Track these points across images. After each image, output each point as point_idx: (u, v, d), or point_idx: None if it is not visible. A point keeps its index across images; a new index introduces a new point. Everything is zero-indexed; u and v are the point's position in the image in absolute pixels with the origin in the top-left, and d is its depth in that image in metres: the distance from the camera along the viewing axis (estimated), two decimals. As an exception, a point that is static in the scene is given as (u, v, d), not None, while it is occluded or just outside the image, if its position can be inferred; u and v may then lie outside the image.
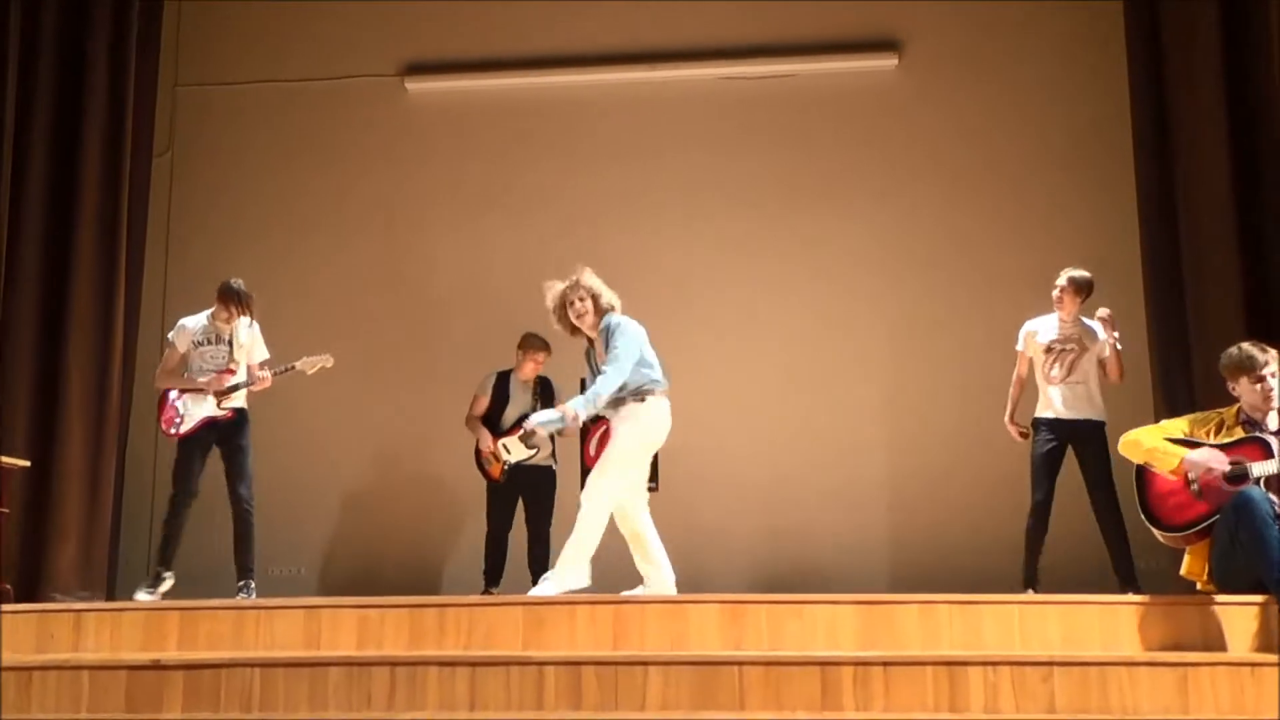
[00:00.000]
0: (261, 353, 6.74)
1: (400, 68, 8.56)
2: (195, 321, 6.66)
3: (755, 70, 8.31)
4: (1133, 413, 6.23)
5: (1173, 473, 5.11)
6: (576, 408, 5.65)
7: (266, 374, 6.61)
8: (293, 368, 6.65)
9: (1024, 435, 6.43)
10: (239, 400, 6.60)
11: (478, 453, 7.14)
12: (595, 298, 5.78)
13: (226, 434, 6.53)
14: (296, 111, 8.58)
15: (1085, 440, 6.22)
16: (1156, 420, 5.99)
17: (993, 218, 7.95)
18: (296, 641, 5.15)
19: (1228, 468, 5.02)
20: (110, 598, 7.11)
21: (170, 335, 6.71)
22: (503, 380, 7.21)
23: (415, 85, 8.54)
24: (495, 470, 7.06)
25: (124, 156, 7.58)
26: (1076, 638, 4.90)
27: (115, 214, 7.51)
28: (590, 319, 5.78)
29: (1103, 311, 6.30)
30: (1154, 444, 5.20)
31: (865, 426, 7.91)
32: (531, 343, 7.11)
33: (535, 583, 6.82)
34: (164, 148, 8.40)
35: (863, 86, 8.24)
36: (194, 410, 6.51)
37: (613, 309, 5.83)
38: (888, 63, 8.21)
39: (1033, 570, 6.25)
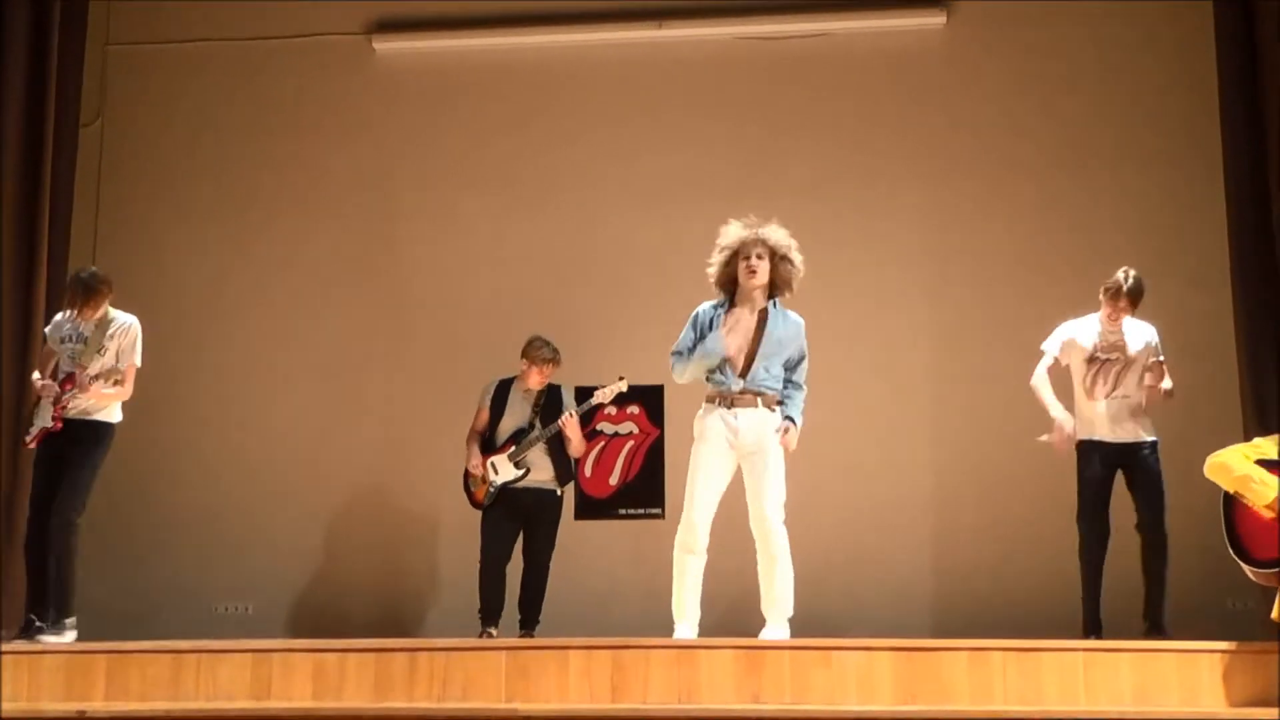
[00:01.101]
0: (129, 356, 6.37)
1: (367, 25, 8.57)
2: (63, 315, 6.54)
3: (778, 29, 8.31)
4: (1219, 429, 6.22)
5: (1268, 507, 5.09)
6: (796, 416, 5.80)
7: (50, 382, 6.28)
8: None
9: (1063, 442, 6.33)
10: (93, 412, 6.31)
11: (466, 474, 7.13)
12: (785, 260, 5.76)
13: (64, 448, 6.26)
14: (247, 75, 8.59)
15: (1134, 464, 6.21)
16: (1246, 438, 5.98)
17: (1056, 207, 7.94)
18: (243, 690, 5.15)
19: None
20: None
21: (46, 329, 6.64)
22: (502, 389, 7.17)
23: (384, 45, 8.55)
24: (479, 493, 7.04)
25: (46, 125, 7.57)
26: (1151, 691, 4.91)
27: (36, 191, 7.51)
28: (761, 281, 5.73)
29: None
30: (1245, 471, 5.18)
31: (906, 444, 7.90)
32: (539, 352, 7.05)
33: (524, 625, 6.83)
34: (92, 115, 8.42)
35: (903, 49, 8.24)
36: (38, 419, 6.32)
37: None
38: (934, 20, 8.21)
39: (1091, 613, 6.22)
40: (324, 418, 8.18)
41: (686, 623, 5.69)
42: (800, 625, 7.29)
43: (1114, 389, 6.28)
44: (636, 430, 7.74)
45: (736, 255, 5.75)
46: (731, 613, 7.26)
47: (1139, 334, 6.34)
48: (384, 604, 7.88)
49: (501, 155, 8.40)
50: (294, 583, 8.05)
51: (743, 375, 5.71)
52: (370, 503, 8.14)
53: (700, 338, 5.75)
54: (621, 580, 7.22)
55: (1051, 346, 6.50)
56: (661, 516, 7.53)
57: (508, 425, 7.06)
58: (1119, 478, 6.33)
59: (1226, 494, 5.28)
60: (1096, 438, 6.29)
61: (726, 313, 5.77)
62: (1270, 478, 5.14)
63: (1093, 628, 6.22)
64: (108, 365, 6.26)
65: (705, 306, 5.86)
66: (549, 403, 7.07)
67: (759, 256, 5.71)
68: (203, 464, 7.92)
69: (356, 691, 5.10)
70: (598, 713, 4.62)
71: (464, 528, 7.33)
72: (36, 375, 6.49)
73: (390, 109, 8.51)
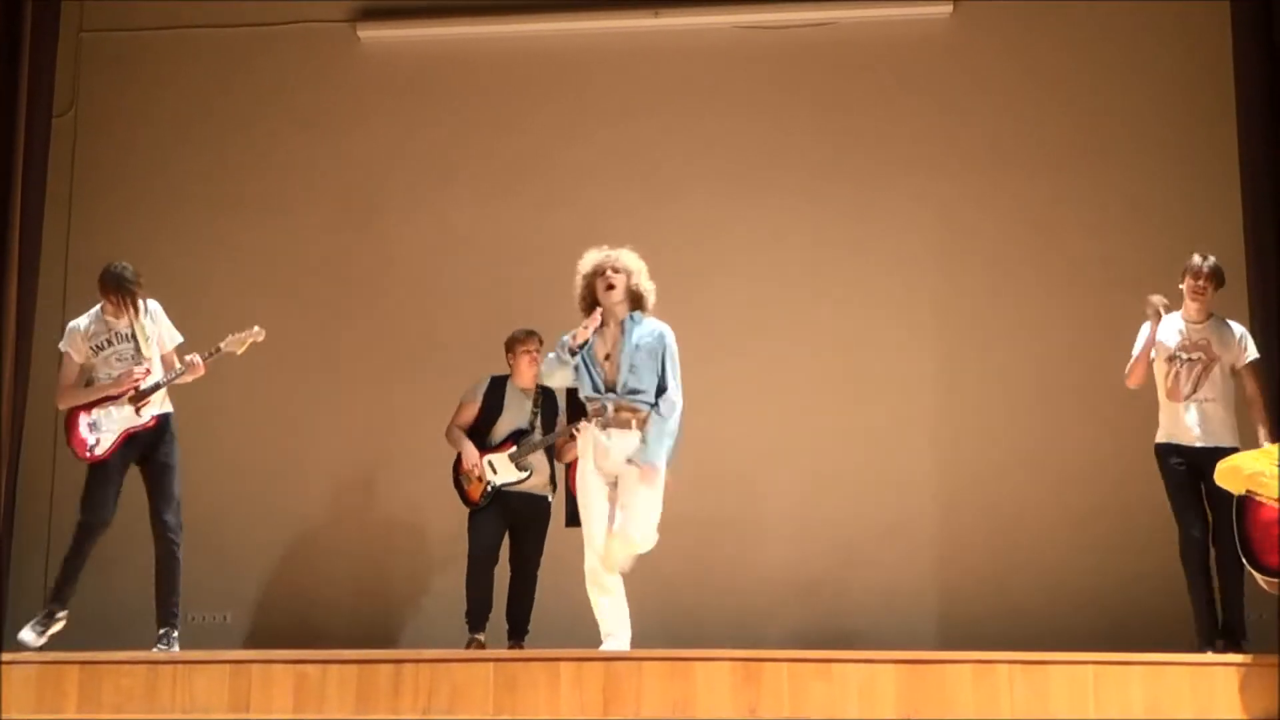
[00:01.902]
0: (173, 336, 6.64)
1: (352, 12, 8.58)
2: (86, 322, 6.58)
3: (782, 18, 8.33)
4: (1241, 442, 6.21)
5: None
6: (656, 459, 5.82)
7: (196, 358, 6.51)
8: (219, 350, 6.60)
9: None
10: (160, 405, 6.53)
11: (456, 469, 7.10)
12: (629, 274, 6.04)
13: (149, 448, 6.47)
14: (226, 63, 8.59)
15: (1213, 472, 5.96)
16: (1261, 445, 6.00)
17: (1066, 205, 7.95)
18: (221, 703, 5.16)
19: None
20: (-3, 648, 7.10)
21: (61, 345, 6.63)
22: (497, 387, 7.13)
23: (370, 33, 8.55)
24: (474, 491, 7.02)
25: (17, 115, 7.54)
26: (1163, 705, 4.93)
27: (6, 184, 7.49)
28: (619, 295, 6.00)
29: (1157, 299, 6.22)
30: (1256, 468, 5.21)
31: (912, 448, 7.91)
32: (518, 337, 7.09)
33: (512, 635, 6.83)
34: (66, 105, 8.40)
35: (911, 38, 8.26)
36: (108, 425, 6.44)
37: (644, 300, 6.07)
38: (941, 9, 8.23)
39: (1206, 623, 6.08)
40: (304, 421, 8.18)
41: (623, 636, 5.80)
42: (800, 636, 7.33)
43: (1194, 390, 6.19)
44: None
45: (594, 277, 6.05)
46: (728, 625, 7.29)
47: (1225, 333, 6.25)
48: (367, 613, 7.88)
49: (489, 145, 8.41)
50: (273, 591, 8.06)
51: (611, 388, 5.90)
52: (352, 509, 8.15)
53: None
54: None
55: (1139, 344, 6.36)
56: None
57: (506, 424, 7.05)
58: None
59: (1238, 502, 5.30)
60: (1176, 441, 6.19)
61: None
62: (1281, 472, 5.16)
63: (1207, 638, 6.03)
64: (172, 345, 6.56)
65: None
66: (546, 405, 7.08)
67: (615, 270, 6.01)
68: (181, 471, 7.93)
69: (339, 704, 5.11)
70: (589, 726, 4.64)
71: (450, 535, 7.34)
72: (61, 392, 6.54)
73: (375, 99, 8.52)
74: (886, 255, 8.09)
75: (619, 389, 5.88)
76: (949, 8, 8.21)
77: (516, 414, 7.06)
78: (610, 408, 5.86)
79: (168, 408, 6.55)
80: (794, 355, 8.01)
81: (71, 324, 6.64)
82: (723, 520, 7.75)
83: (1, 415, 7.29)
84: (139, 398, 6.41)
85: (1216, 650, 5.88)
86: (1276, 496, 5.14)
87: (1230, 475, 5.32)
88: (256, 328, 6.67)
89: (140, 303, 6.52)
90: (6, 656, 5.99)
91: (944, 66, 8.22)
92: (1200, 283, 6.16)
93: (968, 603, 7.56)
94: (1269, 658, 5.10)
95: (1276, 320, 6.93)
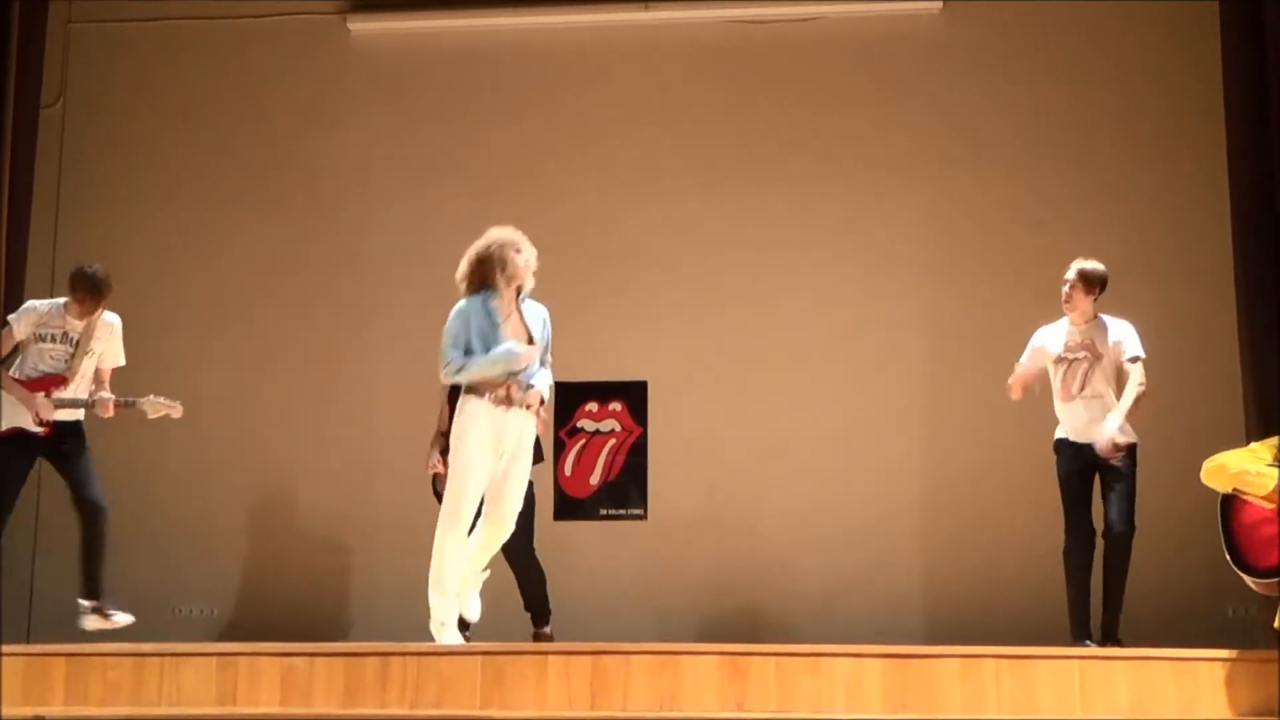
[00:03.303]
0: (116, 358, 6.57)
1: (342, 4, 8.57)
2: (45, 307, 6.50)
3: (768, 13, 8.34)
4: (1219, 431, 6.26)
5: (1267, 497, 5.13)
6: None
7: (109, 399, 6.41)
8: (133, 403, 6.51)
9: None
10: (70, 415, 6.43)
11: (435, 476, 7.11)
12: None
13: (54, 444, 6.39)
14: (214, 55, 8.58)
15: (1106, 466, 6.24)
16: (1247, 441, 6.02)
17: (1054, 203, 7.98)
18: (208, 696, 5.15)
19: None
20: (-18, 640, 7.09)
21: (11, 316, 6.54)
22: None
23: (360, 25, 8.55)
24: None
25: (5, 107, 7.56)
26: (1148, 700, 4.94)
27: (-7, 177, 7.50)
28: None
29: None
30: (1242, 466, 5.23)
31: (898, 445, 7.93)
32: None
33: (537, 623, 6.81)
34: (54, 96, 8.40)
35: (900, 34, 8.28)
36: (7, 413, 6.35)
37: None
38: (930, 5, 8.24)
39: (1079, 618, 6.26)
40: (292, 414, 8.17)
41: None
42: (789, 631, 7.35)
43: (1082, 388, 6.34)
44: (618, 428, 7.76)
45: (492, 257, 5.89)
46: (715, 620, 7.30)
47: (1110, 332, 6.39)
48: (354, 607, 7.89)
49: (479, 138, 8.41)
50: (260, 585, 8.05)
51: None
52: (341, 504, 8.14)
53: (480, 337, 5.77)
54: (602, 584, 7.23)
55: (1023, 357, 6.58)
56: (644, 517, 7.57)
57: None
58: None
59: (1223, 500, 5.31)
60: (1067, 437, 6.38)
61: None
62: (1268, 469, 5.17)
63: (1079, 634, 6.24)
64: (111, 365, 6.48)
65: (470, 304, 5.86)
66: None
67: (517, 250, 5.88)
68: (163, 462, 7.91)
69: (326, 697, 5.11)
70: (577, 719, 4.64)
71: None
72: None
73: (365, 91, 8.52)
74: (873, 252, 8.11)
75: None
76: (939, 4, 8.22)
77: None
78: (518, 387, 5.71)
79: (78, 415, 6.48)
80: (780, 353, 8.02)
81: (31, 303, 6.57)
82: (709, 517, 7.76)
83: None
84: (48, 411, 6.31)
85: (1090, 644, 6.02)
86: (1264, 495, 5.15)
87: (1216, 474, 5.33)
88: (178, 404, 6.54)
89: (104, 320, 6.45)
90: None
91: (933, 63, 8.24)
92: (1065, 290, 6.41)
93: (955, 598, 7.60)
94: (1252, 653, 5.12)
95: (1262, 316, 6.97)
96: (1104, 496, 6.31)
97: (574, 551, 7.60)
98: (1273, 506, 5.15)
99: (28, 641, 7.33)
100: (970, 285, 8.00)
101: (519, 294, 5.84)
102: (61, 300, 6.51)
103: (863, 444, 7.93)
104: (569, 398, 7.71)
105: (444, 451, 6.95)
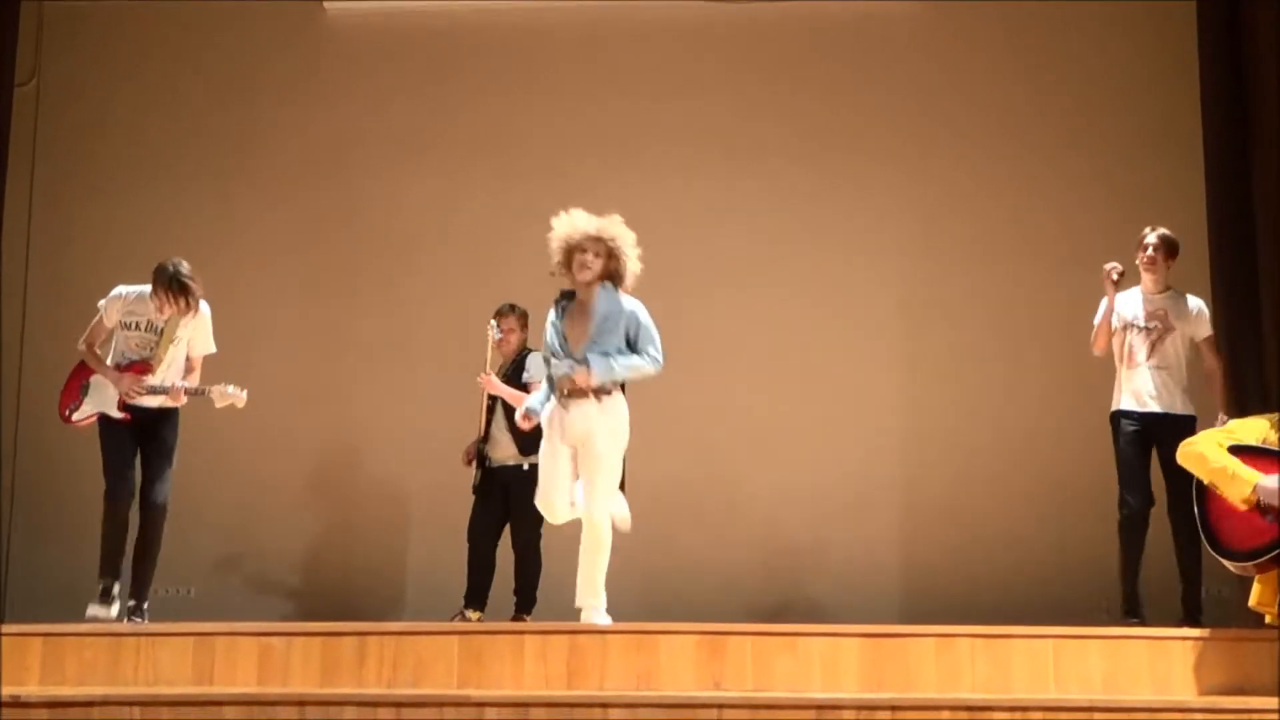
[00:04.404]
0: (206, 346, 6.59)
1: (318, -16, 8.55)
2: (134, 293, 6.47)
3: None
4: (1199, 413, 6.27)
5: (1243, 501, 5.13)
6: (595, 366, 5.65)
7: (181, 386, 6.41)
8: (203, 392, 6.54)
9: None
10: (154, 402, 6.44)
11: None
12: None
13: (151, 431, 6.43)
14: (191, 34, 8.52)
15: (1168, 438, 6.07)
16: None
17: (1035, 181, 8.02)
18: (184, 675, 5.15)
19: None
20: (-40, 622, 7.07)
21: (101, 302, 6.53)
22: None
23: (335, 4, 8.51)
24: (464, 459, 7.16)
25: (-23, 86, 7.52)
26: (1121, 678, 4.97)
27: (-34, 154, 7.45)
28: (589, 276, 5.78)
29: (1110, 266, 6.30)
30: (1220, 463, 5.20)
31: (876, 426, 7.96)
32: (498, 313, 7.16)
33: (516, 609, 6.87)
34: (28, 75, 8.34)
35: (881, 19, 8.28)
36: (91, 399, 6.43)
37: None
38: (914, -4, 8.26)
39: (1130, 593, 6.21)
40: (270, 394, 8.12)
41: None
42: (766, 611, 7.38)
43: (1149, 357, 6.28)
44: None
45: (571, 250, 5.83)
46: (693, 600, 7.30)
47: (1182, 305, 6.35)
48: (334, 588, 7.88)
49: (455, 118, 8.39)
50: (237, 565, 8.04)
51: (570, 355, 5.75)
52: (321, 482, 8.15)
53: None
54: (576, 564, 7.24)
55: (1096, 318, 6.47)
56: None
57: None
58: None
59: (1199, 483, 5.33)
60: (1129, 407, 6.29)
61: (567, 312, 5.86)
62: (1246, 470, 5.16)
63: (1132, 611, 6.16)
64: (201, 353, 6.52)
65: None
66: (515, 370, 7.08)
67: (592, 254, 5.79)
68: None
69: (303, 676, 5.11)
70: (553, 699, 4.64)
71: (437, 508, 7.35)
72: (85, 347, 6.47)
73: (341, 72, 8.48)
74: (854, 235, 8.12)
75: (578, 353, 5.70)
76: (922, -6, 8.24)
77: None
78: (570, 367, 5.69)
79: (173, 405, 6.49)
80: (759, 336, 8.03)
81: (118, 289, 6.52)
82: (689, 498, 7.77)
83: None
84: (131, 398, 6.36)
85: (1140, 623, 5.95)
86: (1239, 499, 5.14)
87: (1195, 462, 5.33)
88: (244, 393, 6.52)
89: (192, 304, 6.40)
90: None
91: (914, 52, 8.25)
92: (1149, 253, 6.31)
93: (930, 577, 7.63)
94: (1225, 632, 5.15)
95: (1238, 302, 7.01)
96: (1164, 470, 6.16)
97: (552, 531, 7.59)
98: (1247, 510, 5.13)
99: (3, 621, 7.32)
100: (948, 271, 8.02)
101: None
102: (148, 287, 6.44)
103: (842, 426, 7.95)
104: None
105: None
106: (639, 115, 8.28)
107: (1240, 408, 6.65)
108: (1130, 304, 6.37)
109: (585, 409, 5.70)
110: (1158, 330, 6.30)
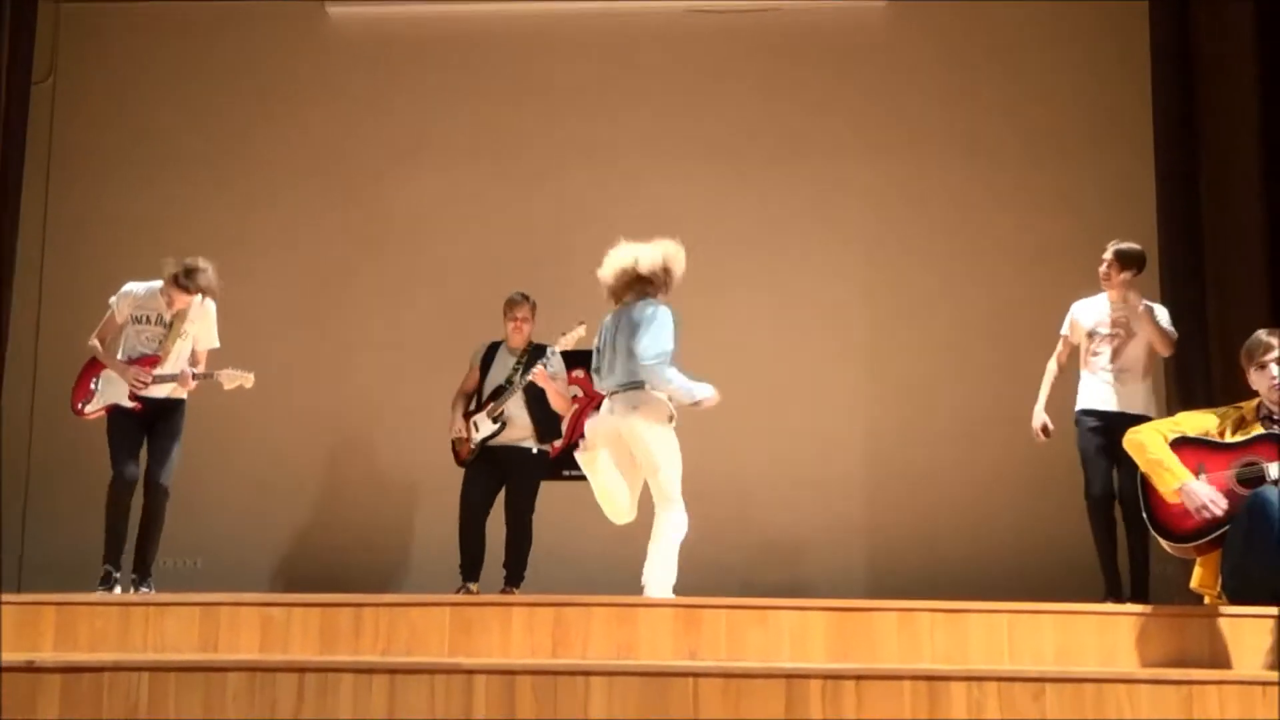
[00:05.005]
0: (210, 340, 6.64)
1: (320, -12, 8.52)
2: (142, 291, 6.52)
3: (726, 4, 8.34)
4: (1158, 412, 6.29)
5: (1170, 495, 5.14)
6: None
7: (189, 371, 6.47)
8: (211, 375, 6.58)
9: (1047, 434, 6.47)
10: (166, 393, 6.50)
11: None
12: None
13: (158, 419, 6.48)
14: (200, 36, 8.51)
15: (1122, 435, 6.22)
16: (1171, 411, 6.08)
17: (993, 181, 8.04)
18: (190, 643, 5.14)
19: (1223, 509, 5.04)
20: (-24, 591, 7.05)
21: (112, 299, 6.57)
22: (491, 350, 7.15)
23: (338, 9, 8.49)
24: (463, 452, 7.04)
25: (-1, 81, 7.48)
26: (1071, 651, 4.98)
27: (-13, 146, 7.42)
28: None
29: (1134, 300, 6.32)
30: (1157, 455, 5.20)
31: (842, 414, 7.98)
32: (510, 302, 7.10)
33: (506, 582, 6.85)
34: (44, 73, 8.31)
35: (847, 26, 8.30)
36: (103, 392, 6.48)
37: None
38: (875, 1, 8.24)
39: (1110, 575, 6.30)
40: (275, 379, 8.12)
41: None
42: (739, 586, 7.39)
43: (1111, 361, 6.36)
44: (580, 394, 7.75)
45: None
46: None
47: (1145, 311, 6.36)
48: (333, 562, 7.88)
49: (451, 117, 8.39)
50: (242, 540, 8.03)
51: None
52: (323, 461, 8.18)
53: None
54: (563, 539, 7.24)
55: (1064, 328, 6.58)
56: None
57: (490, 384, 7.07)
58: None
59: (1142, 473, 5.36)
60: (1092, 407, 6.37)
61: None
62: (1178, 467, 5.16)
63: (1111, 590, 6.26)
64: (206, 348, 6.58)
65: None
66: (531, 360, 7.02)
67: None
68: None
69: (302, 645, 5.10)
70: (538, 667, 4.64)
71: (436, 484, 7.39)
72: (96, 343, 6.51)
73: (343, 73, 8.47)
74: (820, 232, 8.15)
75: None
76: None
77: (499, 373, 7.06)
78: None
79: (182, 395, 6.55)
80: (733, 323, 8.03)
81: (129, 286, 6.57)
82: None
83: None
84: (139, 388, 6.40)
85: (1119, 601, 6.03)
86: (1168, 492, 5.15)
87: (1136, 450, 5.34)
88: (251, 375, 6.59)
89: (196, 302, 6.47)
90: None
91: (876, 53, 8.27)
92: (1103, 269, 6.38)
93: (893, 556, 7.67)
94: (1167, 608, 5.19)
95: (1184, 296, 7.04)
96: (1119, 467, 6.26)
97: (539, 508, 7.62)
98: (1175, 502, 5.15)
99: (19, 591, 7.31)
100: (908, 263, 8.05)
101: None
102: (157, 284, 6.49)
103: (811, 415, 7.98)
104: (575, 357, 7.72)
105: (465, 415, 7.01)
106: (619, 116, 8.30)
107: (1185, 398, 6.70)
108: (1093, 311, 6.45)
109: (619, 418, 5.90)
110: (1120, 337, 6.37)
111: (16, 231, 7.68)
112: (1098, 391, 6.37)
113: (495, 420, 6.96)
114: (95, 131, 8.44)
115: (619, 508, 5.93)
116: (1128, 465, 6.09)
